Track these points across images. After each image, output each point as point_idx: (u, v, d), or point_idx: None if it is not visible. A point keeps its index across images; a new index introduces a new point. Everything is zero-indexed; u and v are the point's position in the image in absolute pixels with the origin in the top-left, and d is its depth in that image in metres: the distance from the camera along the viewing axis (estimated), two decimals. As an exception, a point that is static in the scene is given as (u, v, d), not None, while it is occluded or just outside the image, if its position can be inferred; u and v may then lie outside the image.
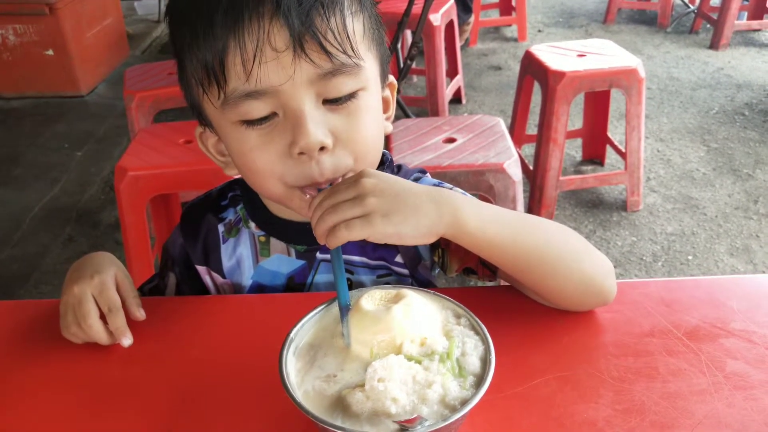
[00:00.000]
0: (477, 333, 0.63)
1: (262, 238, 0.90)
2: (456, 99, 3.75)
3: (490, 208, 0.73)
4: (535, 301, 0.82)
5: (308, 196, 0.75)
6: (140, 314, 0.80)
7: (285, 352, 0.61)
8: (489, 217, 0.71)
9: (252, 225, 0.91)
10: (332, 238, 0.64)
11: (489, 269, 0.84)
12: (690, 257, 2.45)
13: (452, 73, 3.63)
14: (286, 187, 0.76)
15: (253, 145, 0.73)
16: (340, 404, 0.57)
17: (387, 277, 0.90)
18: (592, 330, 0.78)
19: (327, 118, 0.72)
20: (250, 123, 0.72)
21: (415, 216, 0.65)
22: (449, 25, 3.44)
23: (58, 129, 3.74)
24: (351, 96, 0.72)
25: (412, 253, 0.89)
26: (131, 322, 0.80)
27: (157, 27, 5.24)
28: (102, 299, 0.78)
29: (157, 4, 5.39)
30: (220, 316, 0.85)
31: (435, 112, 3.33)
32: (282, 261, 0.90)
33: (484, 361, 0.60)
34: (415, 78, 4.01)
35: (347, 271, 0.88)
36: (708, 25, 4.58)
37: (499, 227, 0.71)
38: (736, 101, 3.66)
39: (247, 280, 0.91)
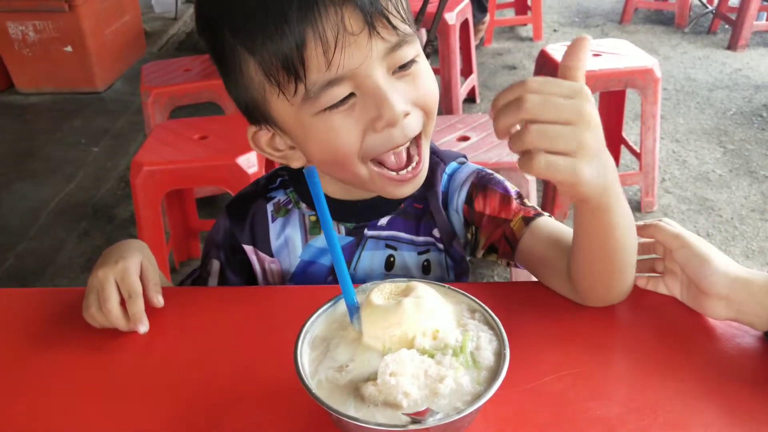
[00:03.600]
0: (492, 328, 0.63)
1: (313, 218, 0.93)
2: (470, 98, 3.74)
3: (622, 198, 0.69)
4: (550, 297, 0.82)
5: (389, 171, 0.78)
6: (158, 301, 0.82)
7: (300, 343, 0.61)
8: (623, 209, 0.68)
9: (303, 206, 0.93)
10: (528, 163, 0.58)
11: (510, 245, 0.87)
12: (705, 259, 2.43)
13: (467, 72, 3.62)
14: (366, 167, 0.78)
15: (337, 127, 0.74)
16: (353, 394, 0.57)
17: (426, 253, 0.93)
18: (607, 327, 0.78)
19: (399, 86, 0.75)
20: (331, 107, 0.73)
21: (604, 167, 0.61)
22: (464, 24, 3.43)
23: (75, 124, 3.78)
24: (412, 61, 0.76)
25: (448, 229, 0.93)
26: (150, 311, 0.81)
27: (173, 24, 5.28)
28: (123, 285, 0.80)
29: (173, 2, 5.43)
30: (235, 308, 0.86)
31: (449, 110, 3.32)
32: None
33: (499, 356, 0.60)
34: (429, 77, 4.01)
35: (391, 247, 0.92)
36: (726, 26, 4.54)
37: (616, 195, 0.66)
38: (754, 102, 3.62)
39: (295, 259, 0.94)
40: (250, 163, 1.97)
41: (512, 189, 0.91)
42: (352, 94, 0.73)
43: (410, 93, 0.76)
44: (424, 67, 0.78)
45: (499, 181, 0.92)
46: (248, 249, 0.95)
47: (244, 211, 0.95)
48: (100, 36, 4.13)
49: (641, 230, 0.81)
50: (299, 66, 0.70)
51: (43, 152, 3.48)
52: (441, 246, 0.93)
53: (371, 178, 0.79)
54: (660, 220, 0.82)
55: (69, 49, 4.01)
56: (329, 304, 0.67)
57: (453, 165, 0.95)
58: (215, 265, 0.97)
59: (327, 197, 0.88)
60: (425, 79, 0.78)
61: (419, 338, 0.60)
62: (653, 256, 0.84)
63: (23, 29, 3.94)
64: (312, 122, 0.75)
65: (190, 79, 2.67)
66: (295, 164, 0.84)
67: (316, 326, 0.65)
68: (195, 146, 2.08)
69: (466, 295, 0.66)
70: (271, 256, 0.95)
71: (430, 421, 0.52)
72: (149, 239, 2.06)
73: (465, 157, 0.98)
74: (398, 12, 0.73)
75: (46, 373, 0.76)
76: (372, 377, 0.58)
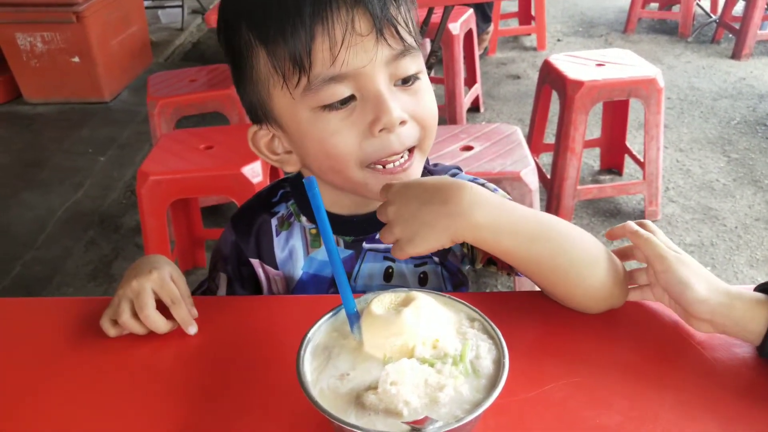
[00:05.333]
0: (491, 337, 0.64)
1: (313, 231, 0.95)
2: (474, 107, 3.76)
3: (508, 216, 0.74)
4: (550, 307, 0.82)
5: (379, 167, 0.81)
6: (194, 313, 0.84)
7: (302, 351, 0.62)
8: (504, 227, 0.73)
9: (303, 219, 0.95)
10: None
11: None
12: (709, 268, 2.40)
13: (471, 81, 3.64)
14: (362, 171, 0.81)
15: (334, 129, 0.78)
16: (354, 402, 0.58)
17: (423, 266, 0.95)
18: (607, 337, 0.79)
19: (400, 97, 0.78)
20: (330, 107, 0.77)
21: (434, 232, 0.72)
22: (468, 34, 3.45)
23: (82, 134, 3.81)
24: (415, 77, 0.80)
25: None
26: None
27: (179, 35, 5.32)
28: (163, 292, 0.82)
29: (180, 13, 5.48)
30: (240, 317, 0.87)
31: (453, 120, 3.34)
32: None
33: (498, 365, 0.60)
34: (433, 86, 4.02)
35: (389, 259, 0.93)
36: (730, 35, 4.54)
37: (513, 239, 0.74)
38: (758, 112, 3.62)
39: (298, 271, 0.95)
40: (254, 172, 1.98)
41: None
42: (352, 98, 0.76)
43: (409, 105, 0.79)
44: (425, 85, 0.82)
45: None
46: (254, 262, 0.97)
47: (248, 224, 0.97)
48: (107, 47, 4.17)
49: (631, 237, 0.81)
50: (305, 58, 0.74)
51: (51, 162, 3.51)
52: (436, 259, 0.95)
53: (364, 181, 0.82)
54: (642, 224, 0.81)
55: (76, 59, 4.05)
56: (330, 313, 0.68)
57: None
58: (223, 278, 0.98)
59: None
60: (425, 96, 0.82)
61: (419, 347, 0.61)
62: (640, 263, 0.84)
63: (31, 40, 3.99)
64: (310, 120, 0.78)
65: (196, 90, 2.70)
66: (289, 168, 0.88)
67: (317, 336, 0.66)
68: (200, 156, 2.10)
69: (465, 305, 0.67)
70: (276, 269, 0.96)
71: (430, 429, 0.53)
72: (155, 248, 2.08)
73: (459, 168, 1.00)
74: (406, 24, 0.77)
75: (51, 382, 0.77)
76: (373, 386, 0.59)
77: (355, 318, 0.65)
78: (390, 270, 0.93)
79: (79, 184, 3.25)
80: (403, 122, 0.78)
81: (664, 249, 0.77)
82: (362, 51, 0.74)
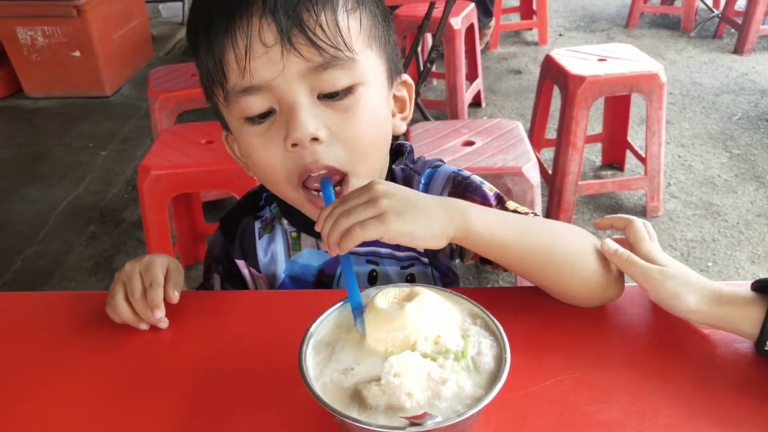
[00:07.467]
0: (492, 333, 0.64)
1: (294, 234, 0.94)
2: (476, 102, 3.75)
3: (497, 213, 0.75)
4: (551, 302, 0.83)
5: (314, 193, 0.78)
6: (174, 297, 0.83)
7: (305, 346, 0.62)
8: (495, 220, 0.73)
9: (284, 222, 0.95)
10: (348, 237, 0.65)
11: None
12: (710, 264, 2.42)
13: (472, 76, 3.63)
14: (292, 189, 0.78)
15: (256, 144, 0.76)
16: (356, 397, 0.58)
17: (411, 268, 0.92)
18: (607, 332, 0.79)
19: (322, 112, 0.73)
20: (251, 120, 0.75)
21: (426, 217, 0.67)
22: (470, 29, 3.44)
23: (83, 129, 3.81)
24: (347, 92, 0.74)
25: None
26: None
27: (180, 29, 5.31)
28: (146, 275, 0.83)
29: (181, 7, 5.47)
30: (241, 312, 0.87)
31: (454, 115, 3.33)
32: (312, 255, 0.93)
33: (499, 360, 0.61)
34: (434, 81, 4.02)
35: (372, 262, 0.92)
36: (732, 30, 4.53)
37: (505, 230, 0.73)
38: (760, 107, 3.61)
39: (281, 274, 0.95)
40: (256, 167, 1.98)
41: (491, 193, 0.89)
42: (272, 111, 0.74)
43: (334, 123, 0.74)
44: (362, 101, 0.74)
45: (477, 187, 0.89)
46: (240, 263, 0.97)
47: (234, 226, 0.97)
48: (108, 41, 4.16)
49: (612, 258, 0.78)
50: (219, 69, 0.73)
51: (52, 156, 3.51)
52: (425, 260, 0.93)
53: (300, 202, 0.80)
54: (628, 220, 0.81)
55: (77, 53, 4.04)
56: (333, 308, 0.68)
57: (428, 171, 0.93)
58: (216, 278, 1.00)
59: (304, 214, 0.87)
60: (358, 114, 0.74)
61: (421, 342, 0.61)
62: None
63: (32, 34, 3.98)
64: (238, 131, 0.77)
65: (197, 84, 2.67)
66: (251, 173, 0.86)
67: (320, 331, 0.66)
68: (201, 150, 2.10)
69: (468, 301, 0.67)
70: (259, 272, 0.96)
71: (430, 424, 0.53)
72: (156, 243, 2.08)
73: (441, 160, 0.96)
74: (325, 34, 0.70)
75: (52, 377, 0.77)
76: (376, 380, 0.59)
77: (359, 312, 0.65)
78: (374, 273, 0.92)
79: (81, 179, 3.25)
80: (316, 139, 0.72)
81: (646, 267, 0.76)
82: (269, 62, 0.70)
